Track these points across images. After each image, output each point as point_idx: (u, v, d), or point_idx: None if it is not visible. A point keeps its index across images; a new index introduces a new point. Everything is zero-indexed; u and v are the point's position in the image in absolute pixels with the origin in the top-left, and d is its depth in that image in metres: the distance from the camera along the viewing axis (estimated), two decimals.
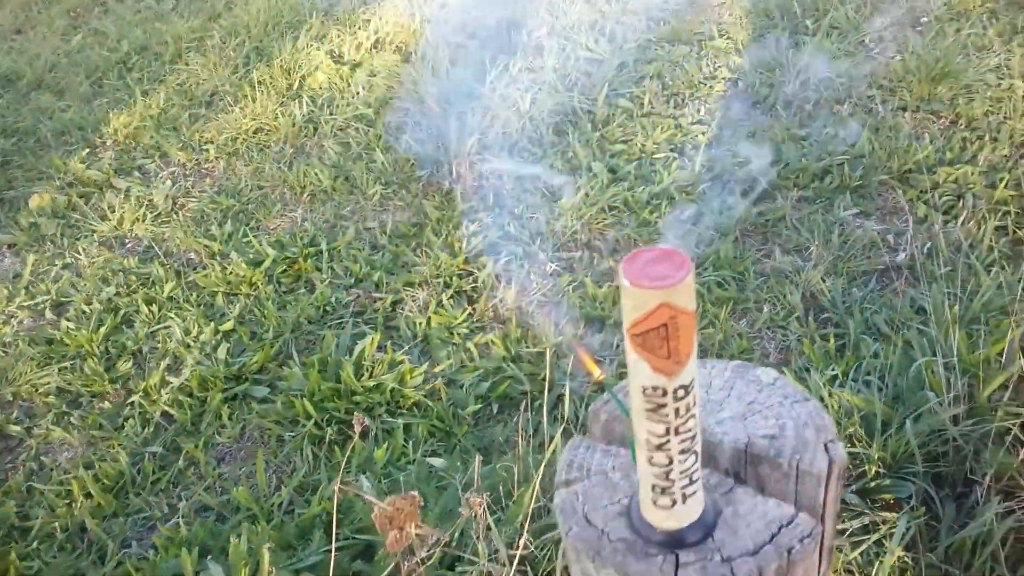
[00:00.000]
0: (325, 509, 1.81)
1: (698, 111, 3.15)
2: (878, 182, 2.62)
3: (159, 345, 2.44)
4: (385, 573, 1.53)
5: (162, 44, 4.31)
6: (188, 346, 2.39)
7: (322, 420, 2.10)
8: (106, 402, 2.30)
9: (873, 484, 1.68)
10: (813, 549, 0.64)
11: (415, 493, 1.07)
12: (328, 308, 2.48)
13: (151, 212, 3.05)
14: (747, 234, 2.55)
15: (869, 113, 2.95)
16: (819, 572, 0.69)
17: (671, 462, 0.61)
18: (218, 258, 2.75)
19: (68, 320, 2.58)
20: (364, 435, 2.04)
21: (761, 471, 0.69)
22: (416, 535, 1.44)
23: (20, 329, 2.61)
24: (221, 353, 2.33)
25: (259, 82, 3.74)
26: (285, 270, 2.65)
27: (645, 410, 0.59)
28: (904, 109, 2.94)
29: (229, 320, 2.46)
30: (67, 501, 2.03)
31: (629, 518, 0.67)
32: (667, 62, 3.47)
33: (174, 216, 3.02)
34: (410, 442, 2.02)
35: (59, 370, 2.39)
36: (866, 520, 1.62)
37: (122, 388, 2.33)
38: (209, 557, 1.74)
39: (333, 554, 1.59)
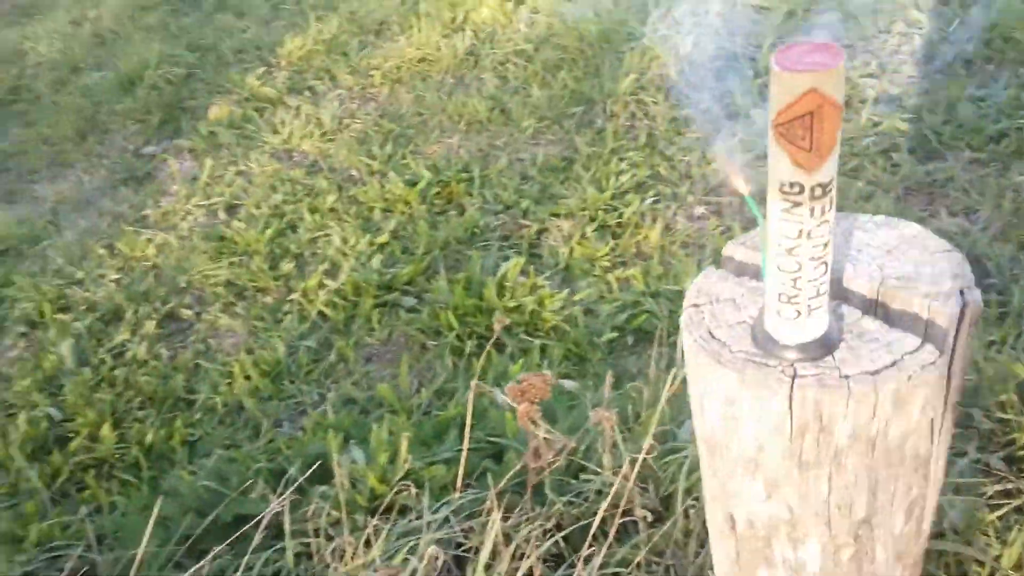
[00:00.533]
0: (460, 412, 1.90)
1: (868, 64, 3.03)
2: None
3: (319, 251, 2.59)
4: (512, 471, 1.61)
5: None
6: (345, 254, 2.53)
7: (463, 333, 2.18)
8: (269, 297, 2.46)
9: (1021, 453, 1.63)
10: (935, 382, 0.65)
11: (547, 373, 1.11)
12: (476, 231, 2.56)
13: (318, 130, 3.20)
14: (911, 192, 2.46)
15: None
16: (941, 418, 0.70)
17: (800, 268, 0.62)
18: (377, 176, 2.87)
19: (239, 221, 2.76)
20: (501, 350, 2.12)
21: (892, 310, 0.70)
22: (544, 438, 1.50)
23: (195, 226, 2.81)
24: (375, 263, 2.45)
25: (426, 14, 3.82)
26: (438, 192, 2.75)
27: (780, 211, 0.60)
28: None
29: (384, 234, 2.58)
30: (228, 381, 2.20)
31: (753, 334, 0.69)
32: (840, 13, 3.34)
33: (339, 135, 3.16)
34: (545, 362, 2.08)
35: (228, 264, 2.58)
36: (1009, 486, 1.57)
37: (284, 286, 2.48)
38: (352, 442, 1.86)
39: (465, 452, 1.67)
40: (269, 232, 2.66)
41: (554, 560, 1.46)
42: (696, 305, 0.73)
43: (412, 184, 2.77)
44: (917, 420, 0.67)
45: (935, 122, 2.63)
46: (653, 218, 2.50)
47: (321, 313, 2.36)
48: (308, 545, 1.51)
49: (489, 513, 1.42)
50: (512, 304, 2.22)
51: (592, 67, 3.24)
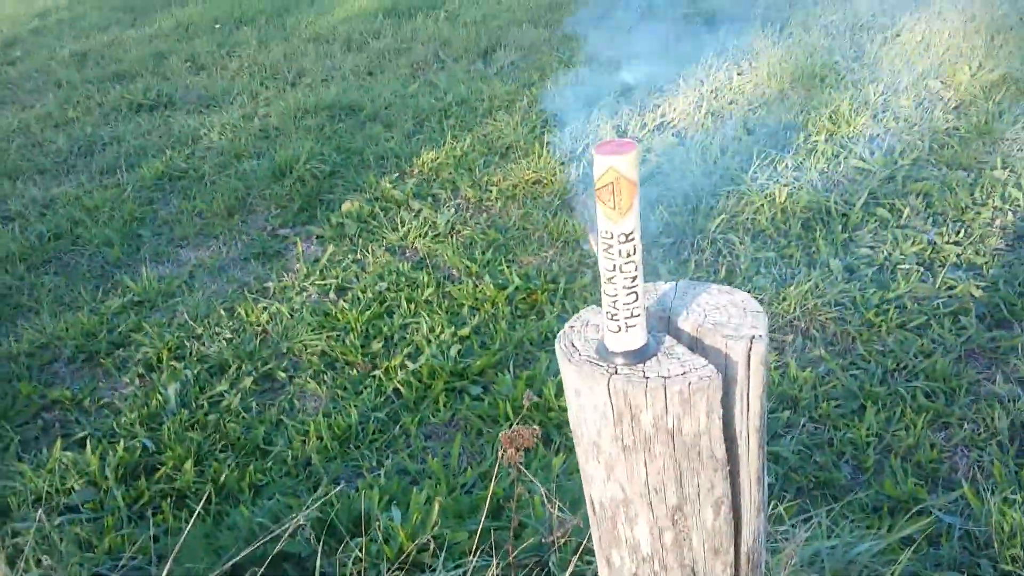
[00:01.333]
0: (498, 494, 2.02)
1: (957, 233, 3.07)
2: None
3: (408, 336, 2.80)
4: (525, 544, 1.71)
5: (480, 100, 4.86)
6: (429, 341, 2.73)
7: (518, 423, 2.32)
8: (355, 370, 2.68)
9: None
10: (712, 392, 0.85)
11: (536, 427, 1.24)
12: (550, 335, 2.72)
13: (432, 231, 3.48)
14: (972, 354, 2.47)
15: None
16: (738, 432, 0.91)
17: (616, 294, 0.84)
18: (474, 277, 3.09)
19: (345, 301, 3.03)
20: (548, 444, 2.24)
21: (705, 344, 0.91)
22: (557, 516, 1.61)
23: (307, 301, 3.09)
24: (453, 352, 2.64)
25: (548, 143, 4.12)
26: (524, 298, 2.94)
27: (602, 251, 0.83)
28: None
29: (467, 327, 2.77)
30: (303, 439, 2.40)
31: (597, 346, 0.92)
32: (939, 182, 3.41)
33: (449, 238, 3.43)
34: None
35: (327, 337, 2.82)
36: None
37: (370, 362, 2.70)
38: (394, 504, 2.00)
39: (489, 524, 1.78)
40: (368, 314, 2.90)
41: None
42: (572, 327, 0.96)
43: (502, 288, 2.97)
44: (705, 423, 0.87)
45: (1009, 293, 2.65)
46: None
47: (396, 390, 2.56)
48: None
49: None
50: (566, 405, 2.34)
51: (690, 206, 3.41)
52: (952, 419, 2.23)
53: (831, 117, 4.09)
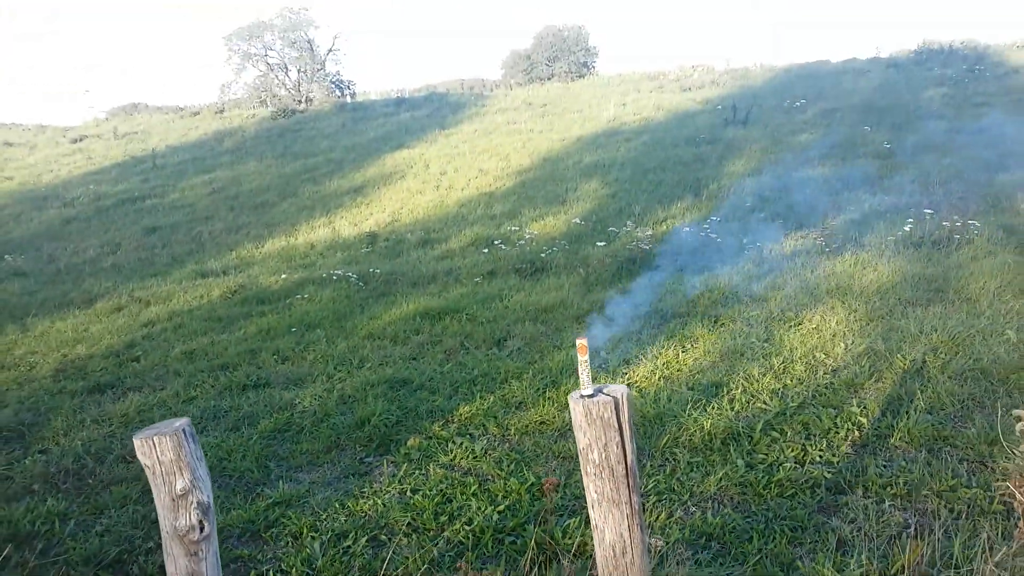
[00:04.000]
0: None
1: (823, 444, 4.50)
2: None
3: (463, 513, 4.13)
4: None
5: (498, 373, 6.44)
6: (479, 514, 4.06)
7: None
8: (430, 532, 3.98)
9: None
10: (609, 412, 2.27)
11: (556, 478, 2.64)
12: (557, 509, 4.06)
13: (472, 455, 4.88)
14: (822, 509, 3.81)
15: None
16: (621, 448, 2.26)
17: (585, 386, 2.32)
18: (503, 479, 4.46)
19: (417, 495, 4.37)
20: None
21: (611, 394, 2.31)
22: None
23: (392, 498, 4.43)
24: (494, 519, 3.97)
25: (548, 398, 5.64)
26: (538, 489, 4.30)
27: (581, 371, 2.31)
28: None
29: (501, 506, 4.11)
30: (404, 565, 3.66)
31: (579, 394, 2.31)
32: (814, 415, 4.88)
33: (484, 457, 4.82)
34: None
35: (411, 516, 4.14)
36: None
37: (439, 527, 4.01)
38: None
39: None
40: (436, 499, 4.24)
41: None
42: (572, 396, 2.39)
43: (523, 482, 4.34)
44: (611, 418, 2.23)
45: (849, 475, 4.03)
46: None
47: (461, 542, 3.85)
48: None
49: None
50: None
51: (646, 432, 4.85)
52: (806, 543, 3.55)
53: (746, 378, 5.65)
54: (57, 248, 16.12)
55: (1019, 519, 3.21)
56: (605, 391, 2.28)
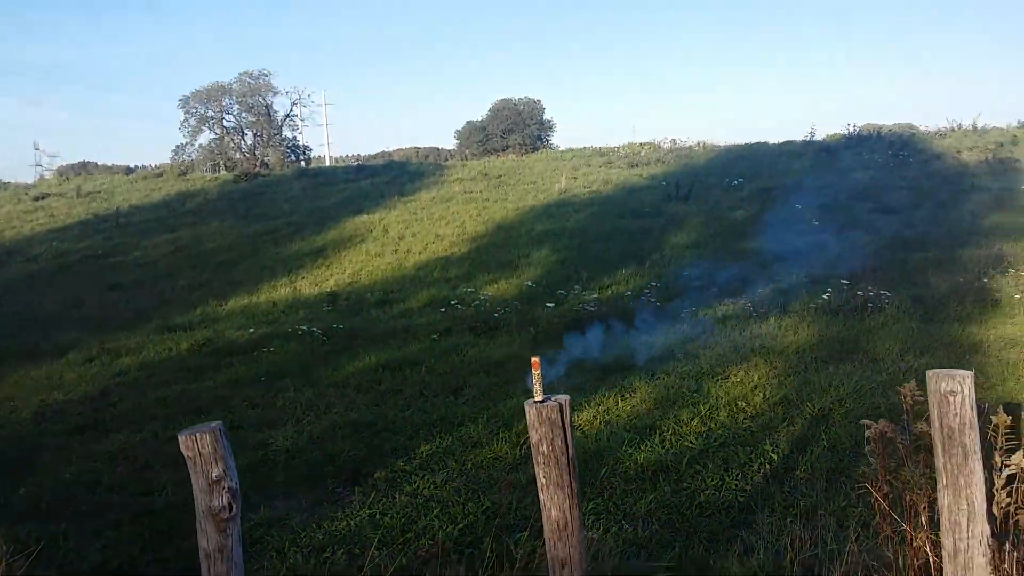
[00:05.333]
0: None
1: (738, 475, 5.17)
2: None
3: (426, 530, 4.68)
4: None
5: (455, 417, 7.01)
6: (439, 528, 4.61)
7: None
8: (396, 547, 4.52)
9: None
10: (556, 416, 2.92)
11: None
12: (508, 520, 4.64)
13: (433, 485, 5.43)
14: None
15: None
16: (565, 456, 2.90)
17: (536, 393, 2.97)
18: (461, 504, 5.02)
19: (387, 517, 4.91)
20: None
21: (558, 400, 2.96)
22: None
23: (366, 519, 4.95)
24: (456, 530, 4.53)
25: (502, 438, 6.23)
26: (492, 510, 4.87)
27: (534, 382, 2.95)
28: None
29: (462, 524, 4.67)
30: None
31: (533, 400, 2.95)
32: (733, 452, 5.56)
33: (445, 487, 5.38)
34: None
35: (381, 533, 4.68)
36: None
37: (401, 535, 4.55)
38: None
39: None
40: (402, 520, 4.79)
41: None
42: (527, 403, 3.02)
43: (480, 506, 4.91)
44: (558, 419, 2.88)
45: (759, 490, 4.70)
46: None
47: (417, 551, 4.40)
48: None
49: None
50: None
51: (587, 464, 5.47)
52: (719, 550, 4.18)
53: (676, 421, 6.33)
54: (20, 302, 16.32)
55: (875, 514, 3.86)
56: (553, 399, 2.92)
